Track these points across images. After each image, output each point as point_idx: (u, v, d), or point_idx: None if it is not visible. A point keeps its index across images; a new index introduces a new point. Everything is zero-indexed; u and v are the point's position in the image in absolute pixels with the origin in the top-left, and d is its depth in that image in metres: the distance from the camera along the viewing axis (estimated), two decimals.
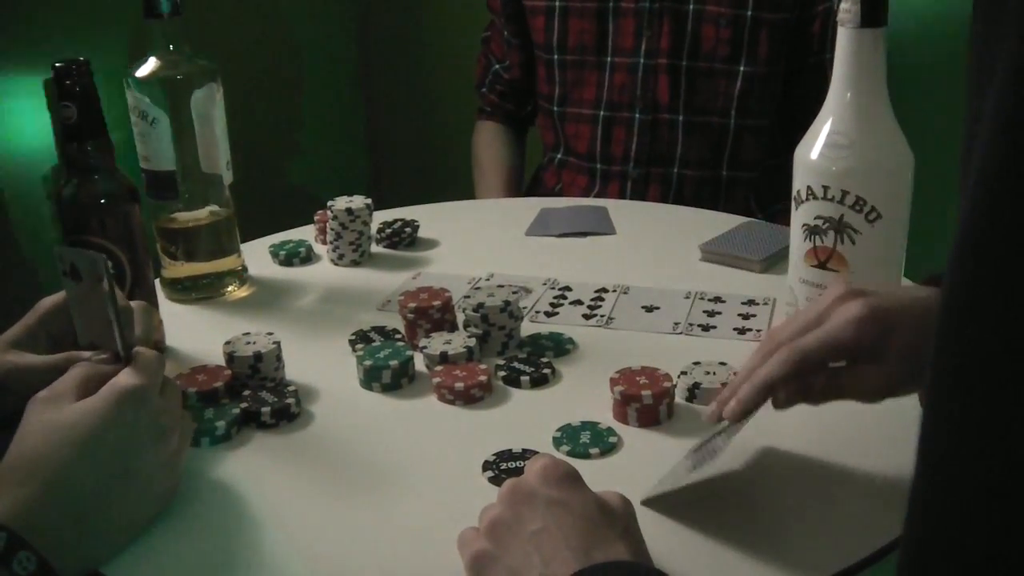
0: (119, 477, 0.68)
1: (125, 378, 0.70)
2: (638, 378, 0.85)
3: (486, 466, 0.78)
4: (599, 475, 0.68)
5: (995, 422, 0.35)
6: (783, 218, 1.56)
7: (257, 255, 1.24)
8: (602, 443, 0.80)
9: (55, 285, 0.77)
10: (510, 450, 0.80)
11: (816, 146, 0.87)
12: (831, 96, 0.87)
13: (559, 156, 1.65)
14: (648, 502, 0.72)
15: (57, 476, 0.65)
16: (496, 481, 0.76)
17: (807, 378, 0.72)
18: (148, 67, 1.05)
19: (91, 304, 0.74)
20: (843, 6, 0.83)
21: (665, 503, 0.72)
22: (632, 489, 0.69)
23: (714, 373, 0.88)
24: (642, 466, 0.77)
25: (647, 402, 0.83)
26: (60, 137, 0.92)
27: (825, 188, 0.87)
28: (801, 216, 0.90)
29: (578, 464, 0.68)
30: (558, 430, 0.82)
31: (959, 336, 0.36)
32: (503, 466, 0.78)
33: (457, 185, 1.82)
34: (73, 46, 1.74)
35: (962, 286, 0.36)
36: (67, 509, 0.65)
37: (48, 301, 0.84)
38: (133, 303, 0.81)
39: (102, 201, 0.94)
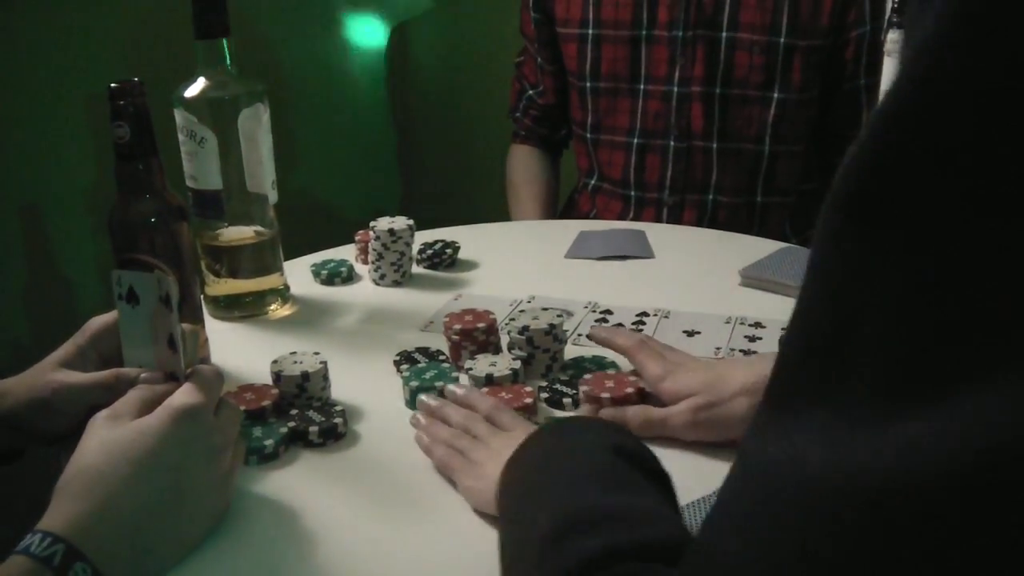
0: (173, 494, 0.69)
1: (181, 397, 0.71)
2: None
3: None
4: None
5: None
6: None
7: (298, 274, 1.25)
8: None
9: (91, 299, 0.78)
10: None
11: None
12: None
13: (593, 182, 1.66)
14: None
15: (113, 492, 0.66)
16: None
17: None
18: (196, 87, 1.06)
19: (146, 326, 0.74)
20: (890, 36, 0.84)
21: None
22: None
23: None
24: (685, 489, 0.77)
25: None
26: (114, 156, 0.93)
27: None
28: None
29: None
30: None
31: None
32: None
33: (488, 206, 1.83)
34: (114, 65, 1.76)
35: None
36: (122, 524, 0.66)
37: (98, 321, 0.85)
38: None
39: (152, 220, 0.95)
